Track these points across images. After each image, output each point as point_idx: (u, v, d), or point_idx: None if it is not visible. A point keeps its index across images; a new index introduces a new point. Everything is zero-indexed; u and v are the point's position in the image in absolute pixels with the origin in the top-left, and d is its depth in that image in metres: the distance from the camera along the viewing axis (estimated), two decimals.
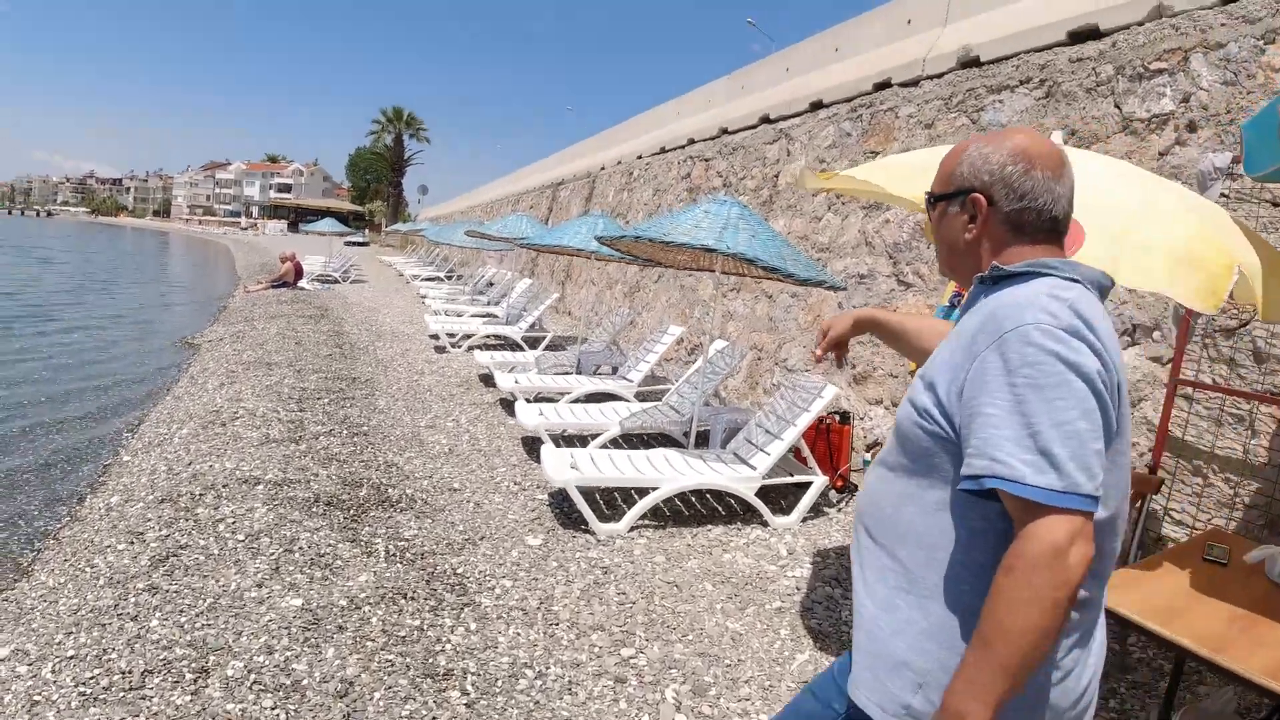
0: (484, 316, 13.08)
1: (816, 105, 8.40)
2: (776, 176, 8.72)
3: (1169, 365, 4.03)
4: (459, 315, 13.17)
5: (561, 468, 4.60)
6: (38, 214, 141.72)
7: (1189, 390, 3.98)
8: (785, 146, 8.73)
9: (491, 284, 17.79)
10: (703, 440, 5.82)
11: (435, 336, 11.32)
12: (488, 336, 11.10)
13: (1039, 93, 5.68)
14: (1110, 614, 2.40)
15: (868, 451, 5.79)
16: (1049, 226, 1.29)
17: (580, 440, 6.12)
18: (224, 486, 4.82)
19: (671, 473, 4.75)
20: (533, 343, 10.88)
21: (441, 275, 24.40)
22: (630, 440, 6.25)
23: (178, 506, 4.51)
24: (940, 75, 6.75)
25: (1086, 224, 2.31)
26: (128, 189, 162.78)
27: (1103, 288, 1.25)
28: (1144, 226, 2.42)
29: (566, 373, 8.11)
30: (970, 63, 6.45)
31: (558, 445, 5.29)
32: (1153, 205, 2.57)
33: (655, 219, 5.14)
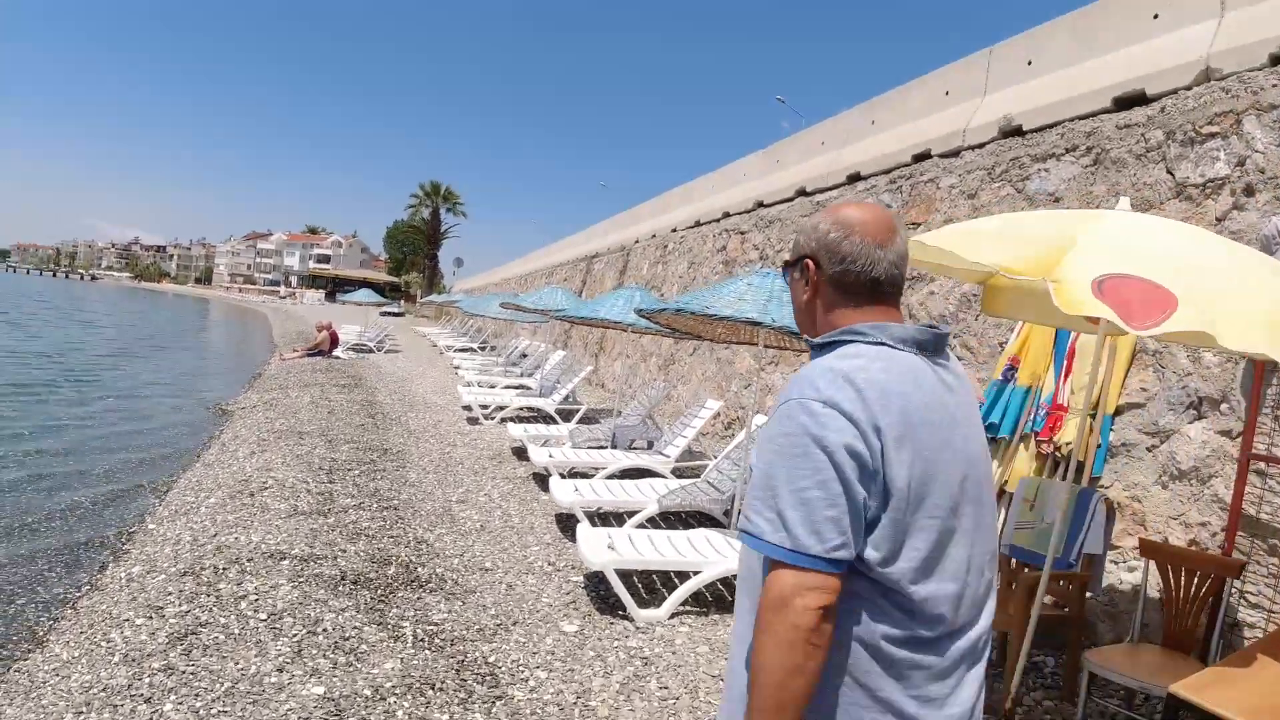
0: (517, 388, 13.02)
1: (854, 177, 8.36)
2: None
3: (1239, 439, 3.78)
4: (492, 387, 13.12)
5: (599, 549, 4.39)
6: (81, 277, 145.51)
7: (1262, 465, 3.72)
8: None
9: (525, 355, 17.81)
10: None
11: (468, 408, 11.24)
12: (521, 408, 11.00)
13: (1086, 160, 5.57)
14: (1204, 713, 2.27)
15: None
16: (870, 288, 1.38)
17: (616, 518, 5.91)
18: (249, 560, 4.68)
19: (714, 555, 4.52)
20: (566, 415, 10.74)
21: (475, 346, 24.54)
22: (668, 519, 6.02)
23: (200, 580, 4.37)
24: (982, 145, 6.67)
25: (1177, 289, 2.15)
26: (171, 256, 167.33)
27: (920, 342, 1.34)
28: (1235, 291, 2.28)
29: (601, 446, 7.94)
30: (1012, 132, 6.37)
31: (593, 523, 5.09)
32: (1240, 270, 2.44)
33: (695, 291, 5.04)
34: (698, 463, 7.54)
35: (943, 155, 7.11)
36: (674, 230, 13.83)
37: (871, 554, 1.23)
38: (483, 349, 24.02)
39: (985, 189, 6.42)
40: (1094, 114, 5.65)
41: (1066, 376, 4.97)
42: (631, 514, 5.64)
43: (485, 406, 11.02)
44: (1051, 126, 6.03)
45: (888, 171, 7.80)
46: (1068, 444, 4.70)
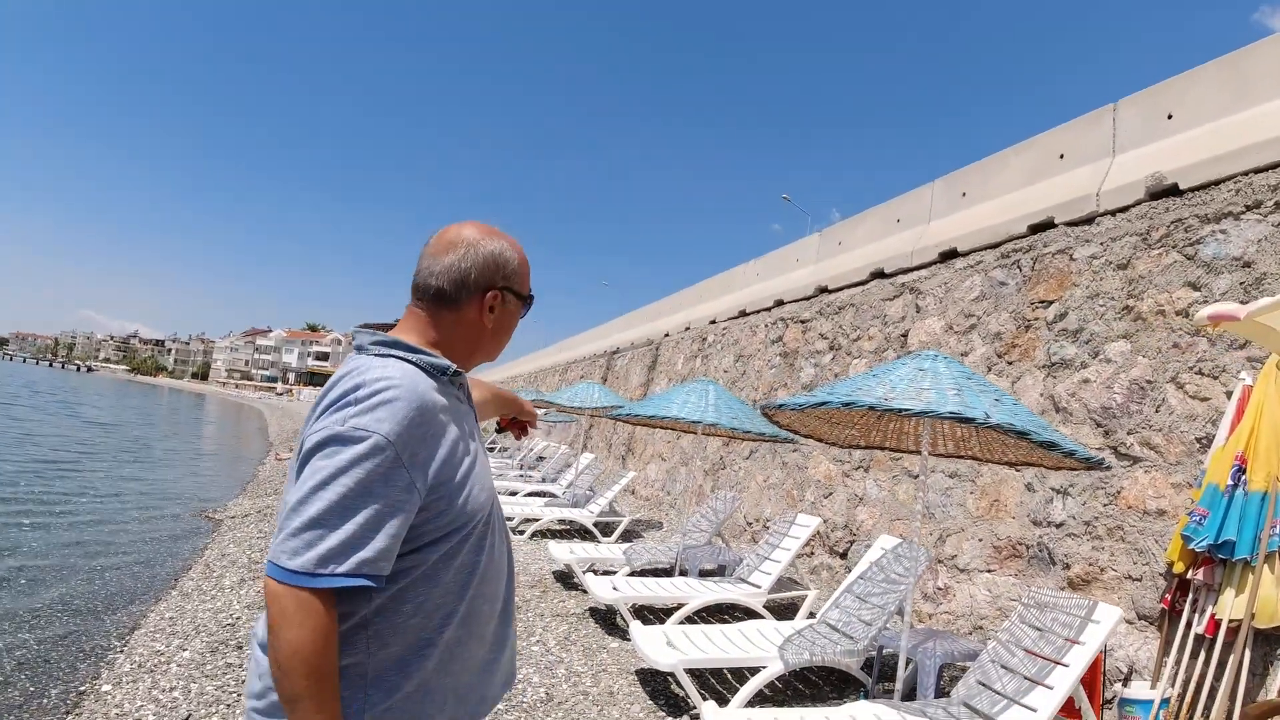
0: (542, 496, 11.64)
1: (949, 255, 7.30)
2: (905, 335, 7.49)
3: None
4: (513, 494, 11.74)
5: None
6: (78, 368, 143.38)
7: None
8: (913, 302, 7.57)
9: (542, 458, 16.47)
10: (890, 675, 4.23)
11: None
12: (554, 521, 9.61)
13: (1277, 216, 4.52)
14: None
15: (1124, 685, 4.13)
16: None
17: (715, 676, 4.54)
18: None
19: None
20: (604, 529, 9.37)
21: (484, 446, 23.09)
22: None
23: None
24: (1125, 209, 5.63)
25: None
26: (169, 350, 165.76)
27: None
28: None
29: (664, 571, 6.57)
30: (1165, 192, 5.35)
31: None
32: None
33: (840, 382, 3.86)
34: (793, 593, 6.14)
35: (1070, 224, 6.06)
36: (713, 321, 12.75)
37: None
38: (491, 450, 22.63)
39: (1141, 257, 5.33)
40: (1274, 165, 4.66)
41: None
42: (744, 674, 4.27)
43: (510, 519, 9.67)
44: (1217, 183, 5.02)
45: (996, 245, 6.74)
46: None
